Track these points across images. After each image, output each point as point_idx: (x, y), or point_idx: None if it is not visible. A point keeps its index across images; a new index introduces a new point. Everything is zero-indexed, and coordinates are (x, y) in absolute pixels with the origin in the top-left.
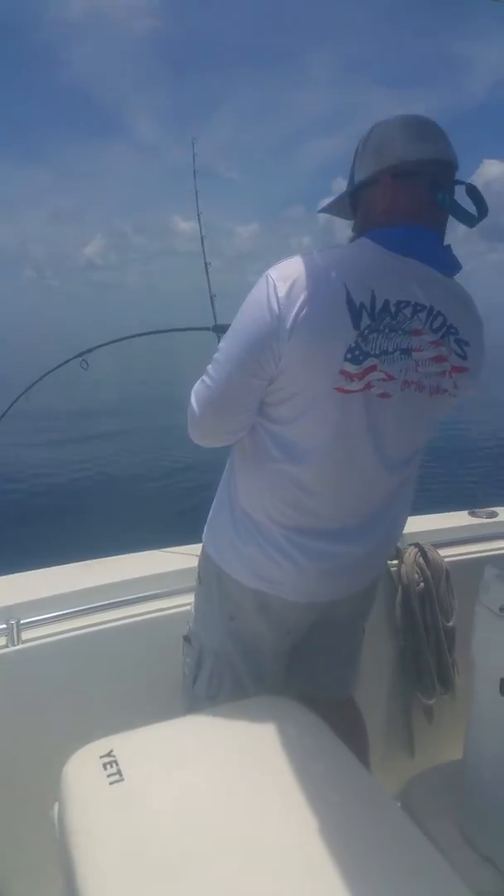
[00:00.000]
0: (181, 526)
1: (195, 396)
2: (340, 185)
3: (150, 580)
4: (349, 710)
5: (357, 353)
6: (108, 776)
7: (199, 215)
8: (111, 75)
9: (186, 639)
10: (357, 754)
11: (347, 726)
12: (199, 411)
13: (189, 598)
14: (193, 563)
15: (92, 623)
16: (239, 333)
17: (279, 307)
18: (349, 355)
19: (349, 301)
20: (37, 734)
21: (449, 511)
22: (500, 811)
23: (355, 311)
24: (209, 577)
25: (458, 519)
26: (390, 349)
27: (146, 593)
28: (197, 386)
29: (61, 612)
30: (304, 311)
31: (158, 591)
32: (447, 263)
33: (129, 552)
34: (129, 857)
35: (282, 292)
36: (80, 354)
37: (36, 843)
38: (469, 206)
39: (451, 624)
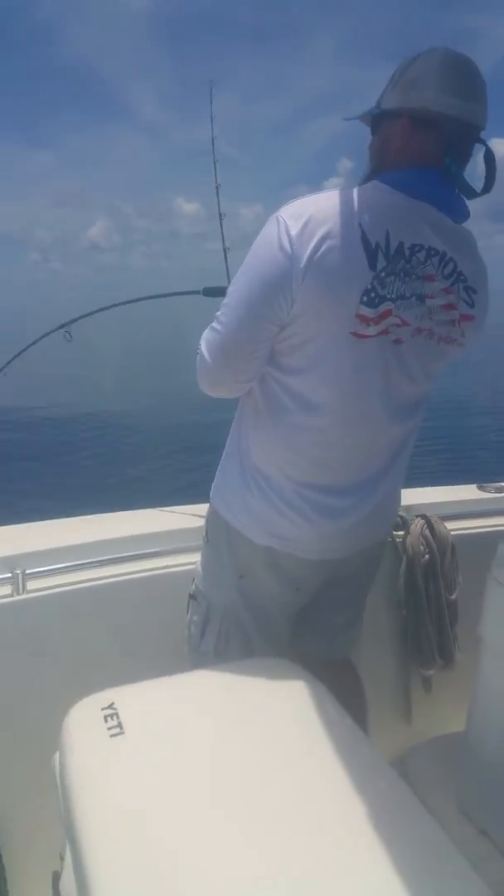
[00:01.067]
0: (187, 485)
1: (205, 344)
2: (346, 166)
3: (155, 537)
4: (349, 674)
5: (373, 295)
6: (109, 728)
7: (214, 163)
8: (112, 54)
9: (192, 597)
10: (355, 718)
11: (347, 690)
12: (210, 358)
13: (194, 558)
14: (199, 522)
15: (97, 577)
16: (250, 276)
17: (292, 246)
18: (365, 298)
19: (364, 240)
20: (40, 683)
21: (457, 484)
22: (499, 786)
23: (371, 252)
24: (217, 535)
25: (467, 492)
26: (407, 294)
27: (151, 550)
28: (207, 333)
29: (67, 564)
30: (319, 251)
31: (163, 549)
32: (457, 209)
33: (134, 509)
34: (127, 812)
35: (294, 231)
36: (63, 326)
37: (37, 790)
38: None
39: (453, 597)
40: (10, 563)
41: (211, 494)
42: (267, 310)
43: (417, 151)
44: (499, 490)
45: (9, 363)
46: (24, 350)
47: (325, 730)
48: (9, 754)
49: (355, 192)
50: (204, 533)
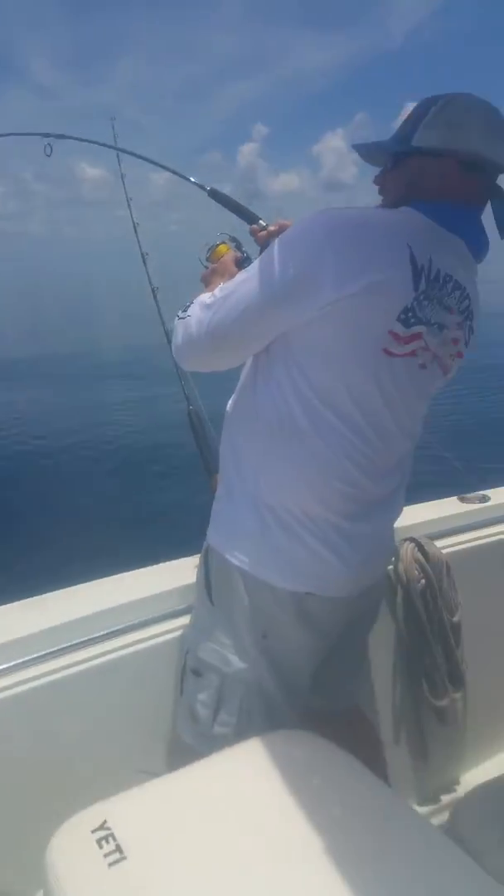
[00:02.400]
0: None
1: (196, 319)
2: (260, 131)
3: (127, 608)
4: (362, 723)
5: (410, 315)
6: (106, 855)
7: (134, 225)
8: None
9: (195, 672)
10: (375, 768)
11: (362, 740)
12: (197, 337)
13: (172, 625)
14: (179, 581)
15: (61, 666)
16: (265, 275)
17: (333, 254)
18: (402, 316)
19: (413, 260)
20: (10, 809)
21: (437, 499)
22: None
23: (416, 272)
24: (227, 590)
25: (449, 507)
26: (433, 320)
27: (124, 625)
28: (199, 306)
29: (22, 659)
30: (363, 262)
31: (137, 620)
32: (481, 251)
33: (93, 578)
34: None
35: (338, 238)
36: (48, 135)
37: None
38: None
39: (456, 619)
40: None
41: (212, 542)
42: (275, 316)
43: (463, 192)
44: (482, 500)
45: None
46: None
47: (363, 804)
48: None
49: (397, 214)
50: (204, 592)
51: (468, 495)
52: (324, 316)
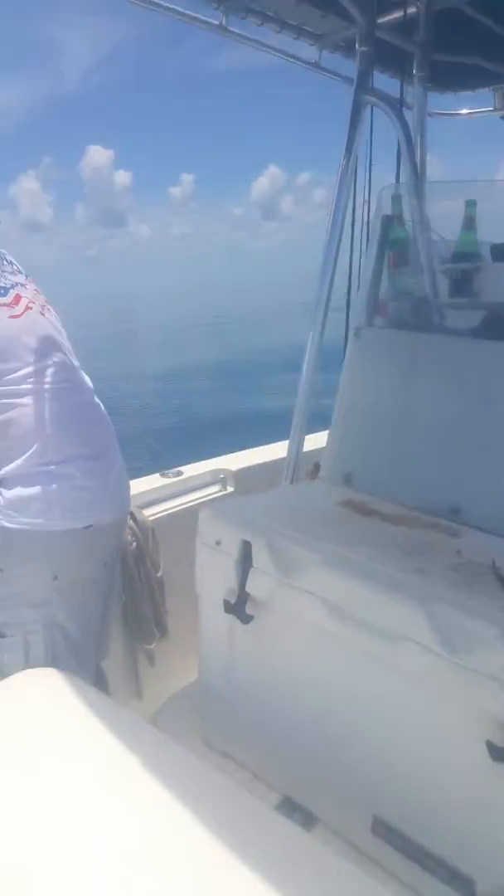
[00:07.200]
0: None
1: None
2: None
3: None
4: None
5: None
6: None
7: None
8: None
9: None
10: None
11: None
12: None
13: None
14: None
15: None
16: None
17: None
18: None
19: None
20: None
21: (143, 475)
22: (232, 713)
23: None
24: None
25: (153, 481)
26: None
27: None
28: None
29: None
30: None
31: None
32: None
33: None
34: None
35: None
36: None
37: None
38: None
39: (160, 575)
40: None
41: None
42: None
43: None
44: (177, 474)
45: None
46: None
47: (105, 724)
48: None
49: None
50: None
51: (167, 471)
52: None
